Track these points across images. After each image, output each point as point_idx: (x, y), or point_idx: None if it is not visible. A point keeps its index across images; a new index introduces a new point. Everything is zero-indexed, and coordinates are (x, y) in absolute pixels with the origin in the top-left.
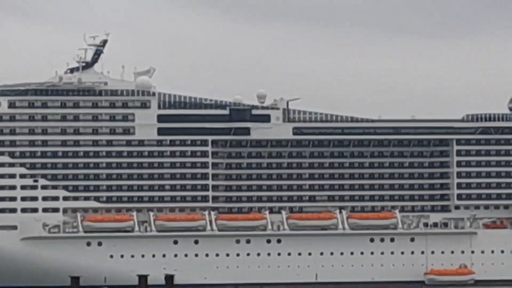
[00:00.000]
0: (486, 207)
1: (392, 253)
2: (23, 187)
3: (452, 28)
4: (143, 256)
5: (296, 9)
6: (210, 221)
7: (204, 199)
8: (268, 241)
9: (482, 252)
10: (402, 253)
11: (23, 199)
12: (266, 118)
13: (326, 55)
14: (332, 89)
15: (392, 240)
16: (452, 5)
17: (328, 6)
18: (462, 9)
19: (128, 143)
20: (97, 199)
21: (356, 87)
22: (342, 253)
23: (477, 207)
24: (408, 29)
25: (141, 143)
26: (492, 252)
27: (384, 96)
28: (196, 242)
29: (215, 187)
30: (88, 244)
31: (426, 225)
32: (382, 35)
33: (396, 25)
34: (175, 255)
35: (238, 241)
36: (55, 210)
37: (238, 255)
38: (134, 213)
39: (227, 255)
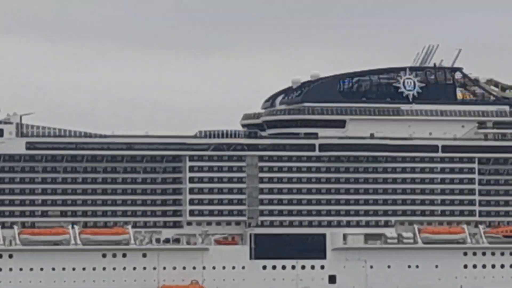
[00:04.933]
0: (218, 223)
1: (124, 268)
2: None
3: (197, 44)
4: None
5: (32, 23)
6: None
7: None
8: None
9: (214, 268)
10: (134, 268)
11: None
12: None
13: (63, 69)
14: (68, 104)
15: (124, 255)
16: (199, 20)
17: (67, 20)
18: (208, 24)
19: None
20: None
21: (92, 101)
22: (74, 269)
23: (209, 223)
24: (152, 43)
25: None
26: (224, 268)
27: (120, 111)
28: None
29: None
30: None
31: (158, 240)
32: (122, 49)
33: (138, 38)
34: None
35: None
36: None
37: None
38: None
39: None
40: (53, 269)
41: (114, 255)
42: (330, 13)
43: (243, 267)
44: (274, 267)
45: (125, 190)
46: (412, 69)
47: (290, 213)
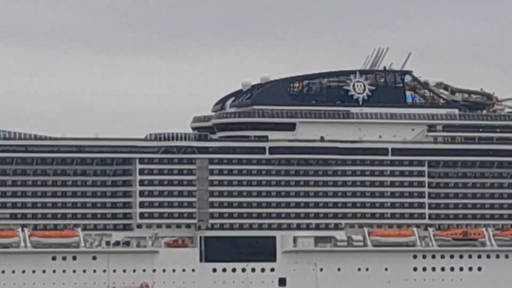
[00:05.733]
0: (168, 226)
1: (74, 271)
2: None
3: (147, 47)
4: None
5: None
6: None
7: None
8: None
9: (164, 270)
10: (84, 271)
11: None
12: None
13: (13, 73)
14: (18, 107)
15: (74, 258)
16: (150, 24)
17: (17, 25)
18: (158, 28)
19: None
20: None
21: (43, 104)
22: (24, 271)
23: (159, 226)
24: (103, 47)
25: None
26: (174, 270)
27: (70, 114)
28: None
29: None
30: None
31: (108, 243)
32: (72, 52)
33: (89, 42)
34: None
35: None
36: None
37: None
38: None
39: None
40: (3, 271)
41: (64, 258)
42: (280, 16)
43: (193, 270)
44: (224, 270)
45: (75, 193)
46: (362, 72)
47: (240, 216)
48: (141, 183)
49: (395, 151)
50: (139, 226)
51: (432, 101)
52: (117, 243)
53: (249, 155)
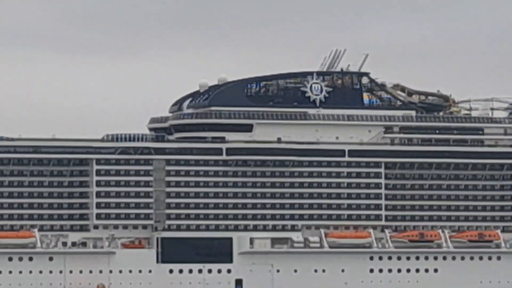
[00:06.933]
0: (125, 227)
1: (30, 272)
2: None
3: (105, 48)
4: None
5: None
6: None
7: None
8: None
9: (120, 271)
10: (41, 272)
11: None
12: None
13: None
14: None
15: (30, 259)
16: (107, 24)
17: None
18: (116, 28)
19: None
20: None
21: (0, 104)
22: None
23: (116, 226)
24: (60, 47)
25: None
26: (130, 271)
27: (27, 114)
28: None
29: None
30: None
31: (65, 244)
32: (29, 52)
33: (46, 42)
34: None
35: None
36: None
37: None
38: None
39: None
40: None
41: (21, 259)
42: (238, 18)
43: (150, 271)
44: (181, 271)
45: (32, 193)
46: (319, 73)
47: (197, 217)
48: (98, 184)
49: (352, 153)
50: (96, 227)
51: (389, 103)
52: (73, 244)
53: (206, 156)
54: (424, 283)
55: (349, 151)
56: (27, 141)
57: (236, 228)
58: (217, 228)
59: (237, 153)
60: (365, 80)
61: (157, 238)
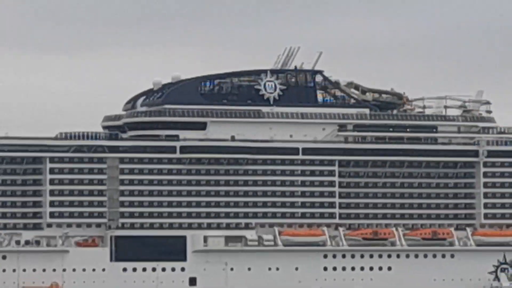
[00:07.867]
0: (79, 225)
1: None
2: None
3: (60, 44)
4: None
5: None
6: None
7: None
8: None
9: (74, 270)
10: None
11: None
12: None
13: None
14: None
15: None
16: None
17: None
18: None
19: None
20: None
21: None
22: None
23: (69, 225)
24: (15, 43)
25: None
26: (84, 270)
27: None
28: None
29: None
30: None
31: (18, 242)
32: None
33: (3, 37)
34: None
35: None
36: None
37: None
38: None
39: None
40: None
41: None
42: (191, 15)
43: (104, 270)
44: (134, 270)
45: None
46: (273, 71)
47: (150, 215)
48: (52, 182)
49: (306, 151)
50: (49, 225)
51: (343, 101)
52: (27, 243)
53: (160, 154)
54: (378, 281)
55: (303, 149)
56: None
57: (190, 226)
58: (171, 226)
59: (191, 151)
60: (319, 78)
61: (111, 237)
